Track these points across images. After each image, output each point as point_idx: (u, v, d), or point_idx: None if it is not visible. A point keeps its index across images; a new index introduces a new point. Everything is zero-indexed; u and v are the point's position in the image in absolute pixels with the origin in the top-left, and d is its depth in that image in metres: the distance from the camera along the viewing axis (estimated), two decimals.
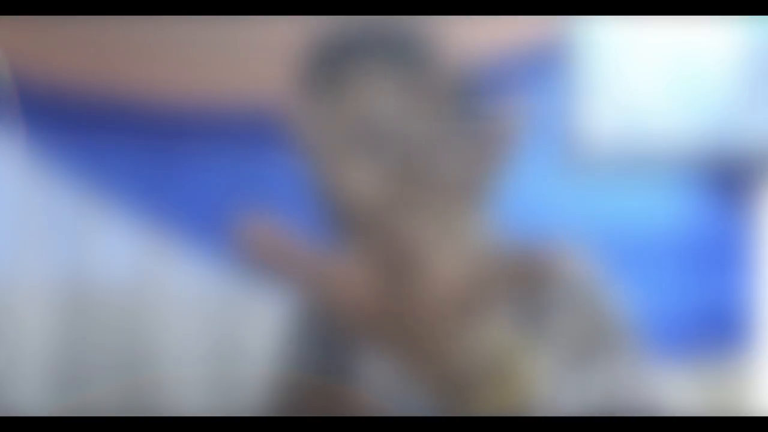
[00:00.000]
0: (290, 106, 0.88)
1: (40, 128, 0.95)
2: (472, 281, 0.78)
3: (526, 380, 0.79)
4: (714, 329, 0.95)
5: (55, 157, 0.95)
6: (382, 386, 0.84)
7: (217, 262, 0.94)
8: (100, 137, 0.94)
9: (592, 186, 0.97)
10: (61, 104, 0.94)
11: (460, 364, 0.77)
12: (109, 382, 0.93)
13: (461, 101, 0.85)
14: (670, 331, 0.95)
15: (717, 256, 0.95)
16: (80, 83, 0.95)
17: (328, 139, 0.86)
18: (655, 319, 0.90)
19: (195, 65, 0.93)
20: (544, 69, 0.93)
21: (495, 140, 0.81)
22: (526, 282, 0.81)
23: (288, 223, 0.78)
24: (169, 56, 0.93)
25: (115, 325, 0.94)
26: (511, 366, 0.79)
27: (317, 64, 0.87)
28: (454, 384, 0.77)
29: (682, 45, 0.93)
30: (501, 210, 0.91)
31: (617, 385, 0.83)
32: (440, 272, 0.78)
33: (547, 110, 0.92)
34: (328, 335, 0.86)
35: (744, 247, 0.95)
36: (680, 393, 0.90)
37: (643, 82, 0.92)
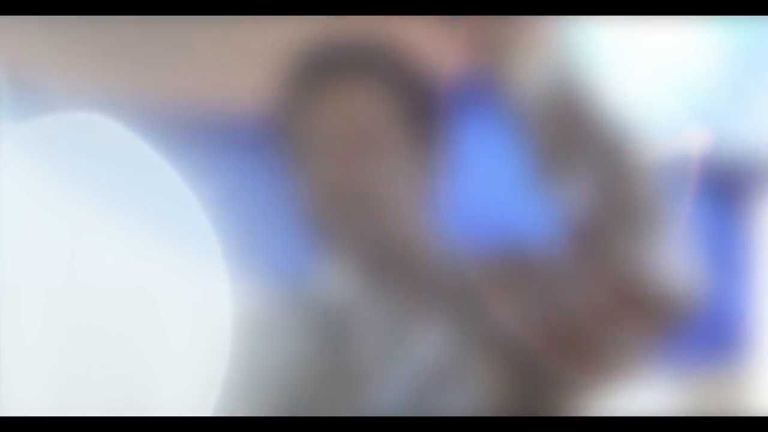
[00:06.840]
0: (276, 112, 0.88)
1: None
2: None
3: None
4: (713, 330, 0.95)
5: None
6: None
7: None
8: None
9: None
10: (57, 104, 0.94)
11: None
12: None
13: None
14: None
15: (715, 258, 0.96)
16: (75, 83, 0.95)
17: (310, 144, 0.87)
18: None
19: (184, 68, 0.93)
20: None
21: None
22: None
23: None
24: (161, 58, 0.93)
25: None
26: None
27: (302, 72, 0.87)
28: None
29: (676, 46, 0.93)
30: (498, 210, 0.91)
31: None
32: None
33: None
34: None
35: (740, 248, 0.96)
36: (681, 393, 0.90)
37: (637, 82, 0.92)
